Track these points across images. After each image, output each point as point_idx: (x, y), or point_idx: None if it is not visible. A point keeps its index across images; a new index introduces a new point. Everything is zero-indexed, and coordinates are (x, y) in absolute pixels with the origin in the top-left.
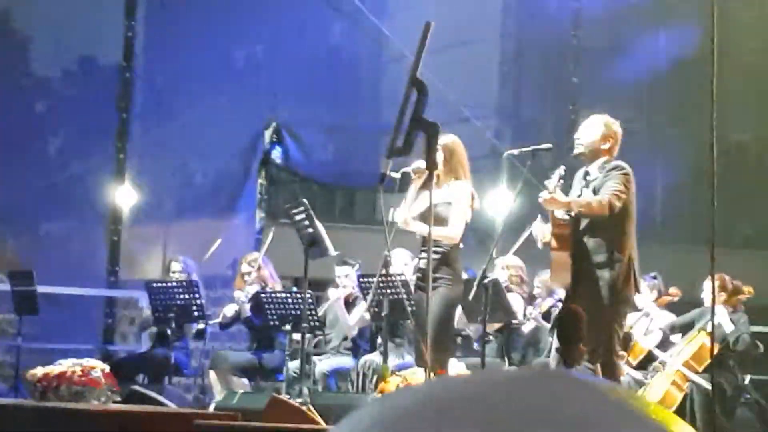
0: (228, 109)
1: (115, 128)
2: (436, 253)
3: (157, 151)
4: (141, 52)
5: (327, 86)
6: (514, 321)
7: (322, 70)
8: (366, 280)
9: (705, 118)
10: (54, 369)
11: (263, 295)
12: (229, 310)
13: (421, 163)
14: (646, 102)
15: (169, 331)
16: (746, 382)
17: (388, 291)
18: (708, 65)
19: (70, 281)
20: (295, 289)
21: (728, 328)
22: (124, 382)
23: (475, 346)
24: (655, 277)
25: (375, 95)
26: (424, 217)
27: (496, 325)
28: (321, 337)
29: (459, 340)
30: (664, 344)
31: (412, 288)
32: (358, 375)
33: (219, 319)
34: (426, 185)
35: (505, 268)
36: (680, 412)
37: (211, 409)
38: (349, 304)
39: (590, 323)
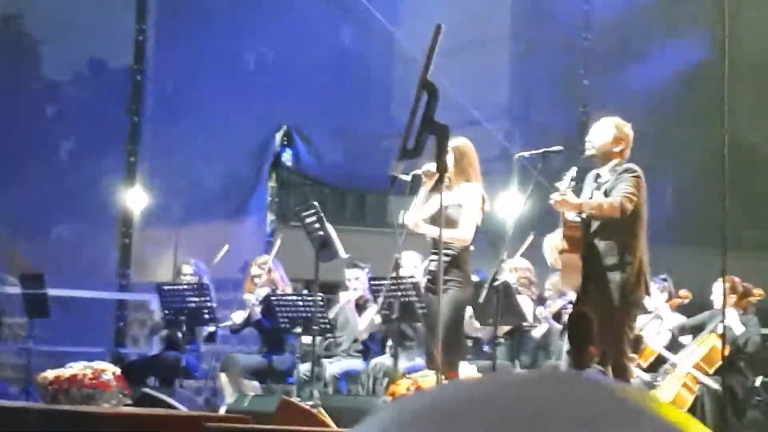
0: (239, 112)
1: (125, 131)
2: (446, 255)
3: (167, 154)
4: (151, 55)
5: (337, 89)
6: (524, 324)
7: (332, 73)
8: (377, 282)
9: (716, 121)
10: (65, 372)
11: (274, 298)
12: (238, 316)
13: (431, 166)
14: (657, 104)
15: (179, 334)
16: (757, 384)
17: (399, 294)
18: (719, 67)
19: (81, 284)
20: (305, 291)
21: (738, 330)
22: (134, 385)
23: (486, 348)
24: (665, 280)
25: (385, 98)
26: (434, 219)
27: (506, 328)
28: (331, 340)
29: (470, 342)
30: (673, 346)
31: (422, 290)
32: (368, 377)
33: (229, 323)
34: (437, 188)
35: (513, 270)
36: (691, 414)
37: (222, 411)
38: (360, 306)
39: (601, 325)
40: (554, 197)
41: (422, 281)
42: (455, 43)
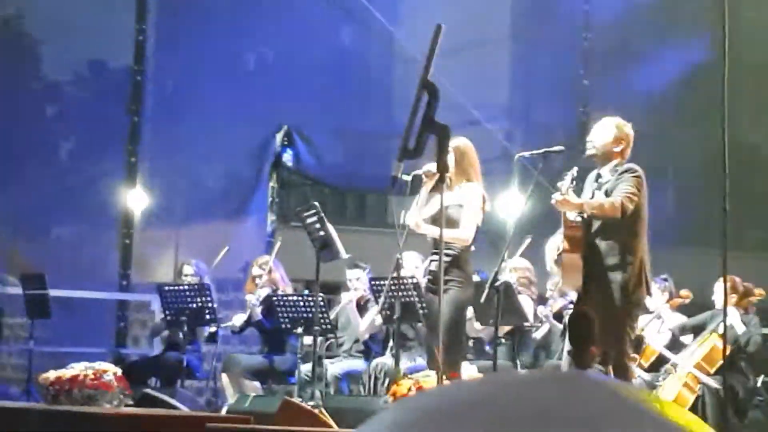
0: (239, 112)
1: (126, 132)
2: (447, 255)
3: (168, 154)
4: (152, 55)
5: (338, 89)
6: (525, 324)
7: (332, 73)
8: (377, 282)
9: (716, 120)
10: (66, 372)
11: (275, 298)
12: (238, 319)
13: (432, 166)
14: (658, 104)
15: (181, 335)
16: (759, 384)
17: (400, 294)
18: (719, 67)
19: (82, 285)
20: (306, 292)
21: (740, 329)
22: (136, 386)
23: (488, 348)
24: (666, 280)
25: (386, 98)
26: (435, 219)
27: (507, 328)
28: (333, 340)
29: (471, 342)
30: (674, 346)
31: (423, 291)
32: (370, 378)
33: (230, 324)
34: (437, 188)
35: (512, 270)
36: (692, 414)
37: (224, 412)
38: (361, 307)
39: (602, 325)
40: (555, 197)
41: (423, 281)
42: (456, 43)
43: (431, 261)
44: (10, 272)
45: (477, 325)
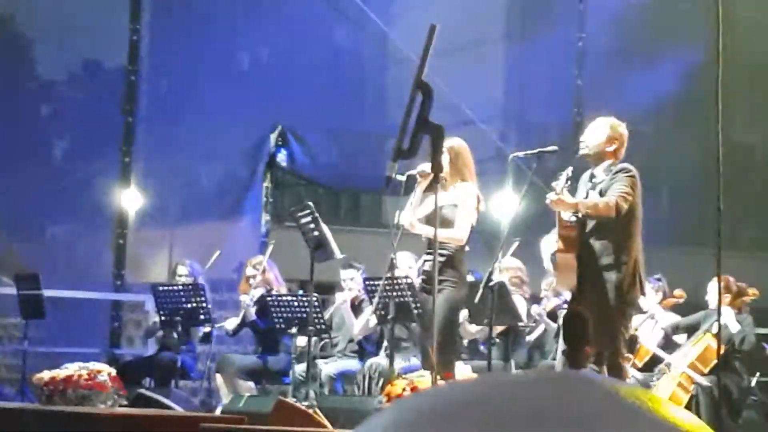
0: (233, 112)
1: (120, 131)
2: (441, 255)
3: (162, 154)
4: (146, 55)
5: (332, 89)
6: (519, 324)
7: (326, 73)
8: (372, 282)
9: (711, 121)
10: (60, 373)
11: (269, 298)
12: (231, 323)
13: (426, 166)
14: (653, 104)
15: (175, 335)
16: (753, 383)
17: (395, 294)
18: (714, 68)
19: (77, 285)
20: (301, 292)
21: (734, 328)
22: (130, 386)
23: (482, 348)
24: (659, 279)
25: (380, 98)
26: (429, 219)
27: (500, 328)
28: (327, 340)
29: (465, 342)
30: (668, 345)
31: (417, 291)
32: (364, 378)
33: (224, 323)
34: (432, 188)
35: (503, 270)
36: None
37: (218, 412)
38: (356, 307)
39: (596, 325)
40: (550, 197)
41: (417, 281)
42: (450, 44)
43: (425, 261)
44: (4, 272)
45: (472, 328)
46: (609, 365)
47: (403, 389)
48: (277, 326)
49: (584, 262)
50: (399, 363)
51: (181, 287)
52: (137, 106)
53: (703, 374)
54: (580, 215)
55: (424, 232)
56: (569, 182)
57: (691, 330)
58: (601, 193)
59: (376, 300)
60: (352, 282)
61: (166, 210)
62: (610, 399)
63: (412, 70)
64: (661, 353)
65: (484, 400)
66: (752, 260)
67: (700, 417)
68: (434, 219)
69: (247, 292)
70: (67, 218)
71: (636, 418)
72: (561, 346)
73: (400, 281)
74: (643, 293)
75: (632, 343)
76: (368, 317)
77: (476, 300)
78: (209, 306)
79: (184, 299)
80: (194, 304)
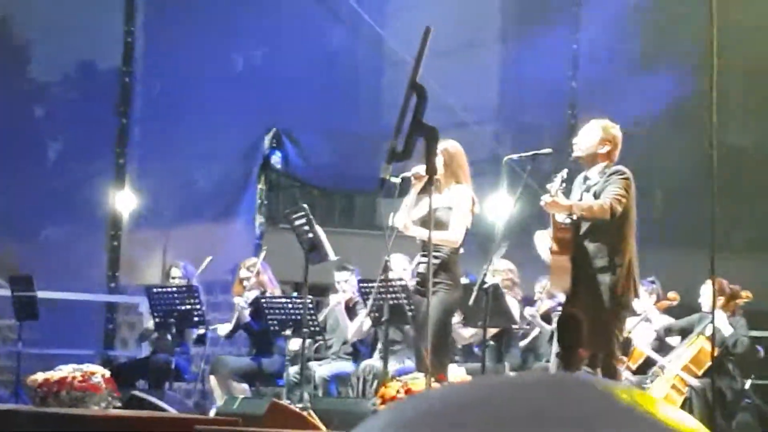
0: (227, 114)
1: (114, 133)
2: (435, 257)
3: (156, 156)
4: (140, 56)
5: (326, 91)
6: (513, 326)
7: (321, 75)
8: (366, 285)
9: (705, 123)
10: (54, 374)
11: (263, 300)
12: (223, 329)
13: (420, 168)
14: (647, 106)
15: (169, 337)
16: (747, 386)
17: (389, 296)
18: (707, 70)
19: (71, 286)
20: (295, 294)
21: (727, 331)
22: (124, 388)
23: (476, 350)
24: (653, 282)
25: (374, 100)
26: (424, 221)
27: (493, 331)
28: (321, 342)
29: (459, 345)
30: (660, 347)
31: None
32: (358, 380)
33: (215, 327)
34: (426, 190)
35: (494, 272)
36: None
37: (212, 414)
38: (350, 309)
39: (590, 327)
40: (545, 199)
41: (411, 283)
42: (445, 46)
43: (419, 263)
44: None
45: (465, 332)
46: (603, 368)
47: (397, 391)
48: (271, 328)
49: (578, 264)
50: (393, 365)
51: (175, 289)
52: (132, 108)
53: (696, 377)
54: (574, 217)
55: (418, 234)
56: (564, 184)
57: (684, 332)
58: (596, 196)
59: (370, 302)
60: (346, 284)
61: (160, 212)
62: (608, 400)
63: (407, 72)
64: (654, 356)
65: (483, 401)
66: (746, 262)
67: None
68: (428, 221)
69: (241, 294)
70: (61, 220)
71: (635, 420)
72: (555, 348)
73: (394, 283)
74: (637, 295)
75: (626, 346)
76: (362, 321)
77: (470, 302)
78: (203, 308)
79: (178, 301)
80: (188, 306)
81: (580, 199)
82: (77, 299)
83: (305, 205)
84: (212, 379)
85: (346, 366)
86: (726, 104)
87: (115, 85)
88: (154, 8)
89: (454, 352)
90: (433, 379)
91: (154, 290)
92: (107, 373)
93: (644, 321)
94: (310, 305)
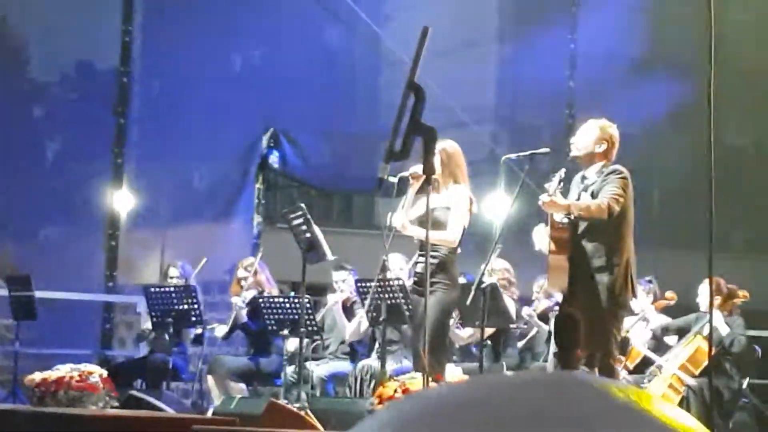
0: (225, 114)
1: (112, 133)
2: (433, 257)
3: (154, 155)
4: (138, 56)
5: (324, 91)
6: (511, 326)
7: (319, 75)
8: (363, 284)
9: (703, 123)
10: (52, 374)
11: (261, 300)
12: (220, 331)
13: (418, 168)
14: (644, 106)
15: (166, 336)
16: (744, 386)
17: (386, 296)
18: (705, 70)
19: (68, 286)
20: (292, 293)
21: (724, 331)
22: (122, 387)
23: (474, 350)
24: (650, 281)
25: (372, 100)
26: (422, 221)
27: (490, 330)
28: (319, 342)
29: (457, 345)
30: (657, 347)
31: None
32: (356, 380)
33: (213, 327)
34: (423, 189)
35: (491, 272)
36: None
37: (209, 414)
38: (347, 308)
39: (588, 327)
40: (543, 198)
41: (408, 283)
42: (443, 45)
43: (417, 263)
44: None
45: (463, 333)
46: (601, 367)
47: (395, 391)
48: (269, 328)
49: (576, 263)
50: (390, 365)
51: (172, 289)
52: (129, 108)
53: (694, 376)
54: (572, 217)
55: (416, 234)
56: (562, 184)
57: (681, 332)
58: (593, 195)
59: (367, 302)
60: (343, 284)
61: (158, 211)
62: (606, 399)
63: (405, 72)
64: (652, 355)
65: (482, 401)
66: (744, 262)
67: None
68: (426, 221)
69: (238, 294)
70: (59, 219)
71: (633, 418)
72: (553, 348)
73: (391, 283)
74: (634, 295)
75: (624, 345)
76: (359, 321)
77: (468, 302)
78: (201, 308)
79: (175, 301)
80: (186, 306)
81: (578, 199)
82: (75, 299)
83: (303, 205)
84: (210, 379)
85: (344, 366)
86: (724, 104)
87: (114, 85)
88: (152, 8)
89: (452, 351)
90: (430, 379)
91: (152, 290)
92: (105, 373)
93: (642, 320)
94: (308, 305)
